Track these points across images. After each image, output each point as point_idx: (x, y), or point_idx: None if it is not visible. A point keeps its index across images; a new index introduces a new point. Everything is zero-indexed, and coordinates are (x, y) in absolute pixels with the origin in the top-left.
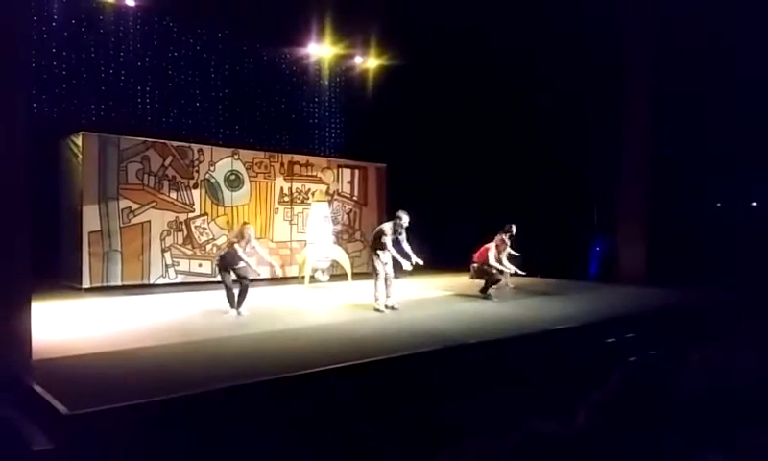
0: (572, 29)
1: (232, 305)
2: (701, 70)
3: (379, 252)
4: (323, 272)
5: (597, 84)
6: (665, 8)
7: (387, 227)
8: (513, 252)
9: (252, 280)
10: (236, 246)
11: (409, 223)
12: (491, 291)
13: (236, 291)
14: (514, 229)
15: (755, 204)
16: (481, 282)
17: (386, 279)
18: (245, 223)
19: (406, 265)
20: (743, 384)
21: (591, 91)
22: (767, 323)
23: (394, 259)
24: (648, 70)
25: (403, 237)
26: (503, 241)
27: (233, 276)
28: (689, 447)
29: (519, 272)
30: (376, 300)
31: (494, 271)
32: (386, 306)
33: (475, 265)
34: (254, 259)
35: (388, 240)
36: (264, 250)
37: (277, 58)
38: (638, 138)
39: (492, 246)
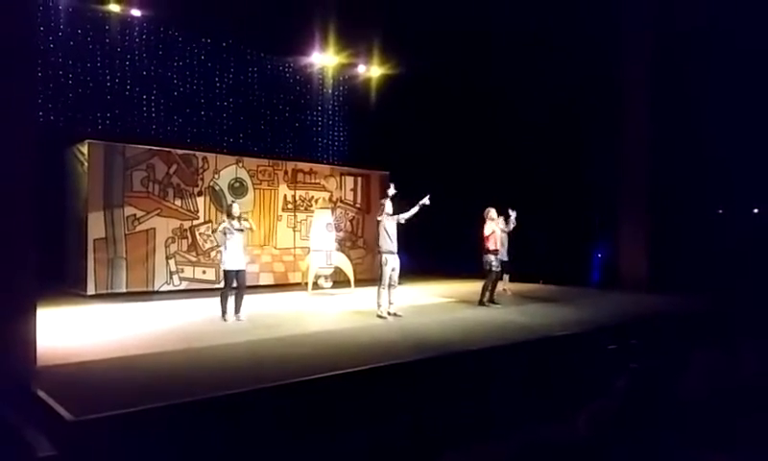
0: (573, 35)
1: (224, 311)
2: (702, 75)
3: (387, 256)
4: (326, 279)
5: (597, 90)
6: (665, 13)
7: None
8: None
9: (253, 287)
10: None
11: (395, 192)
12: (492, 298)
13: (232, 297)
14: (492, 212)
15: (756, 210)
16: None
17: (389, 286)
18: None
19: (424, 201)
20: (743, 388)
21: (592, 98)
22: (767, 328)
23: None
24: (648, 76)
25: (399, 215)
26: (491, 219)
27: (235, 282)
28: (690, 450)
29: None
30: (379, 306)
31: (491, 261)
32: (388, 313)
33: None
34: (234, 245)
35: (384, 218)
36: (246, 236)
37: (281, 66)
38: (639, 145)
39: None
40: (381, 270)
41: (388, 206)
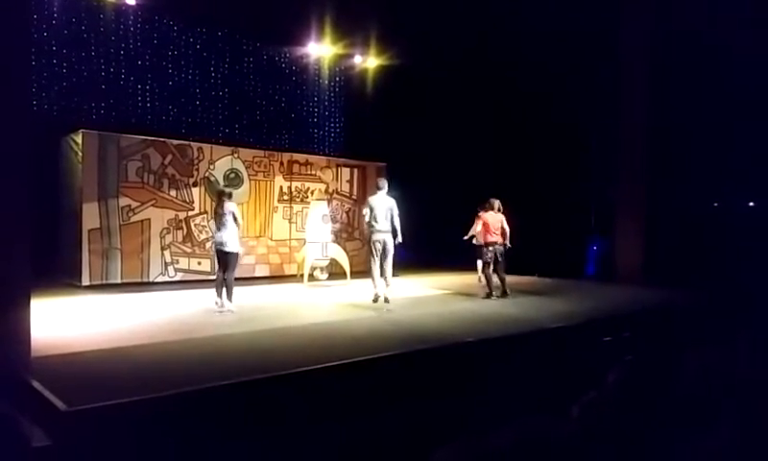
0: (571, 29)
1: (219, 294)
2: (699, 70)
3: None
4: (321, 270)
5: (595, 83)
6: (663, 7)
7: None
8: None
9: (248, 278)
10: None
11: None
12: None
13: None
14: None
15: (752, 204)
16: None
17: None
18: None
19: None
20: (738, 383)
21: (590, 91)
22: (763, 322)
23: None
24: (646, 70)
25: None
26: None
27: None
28: (682, 443)
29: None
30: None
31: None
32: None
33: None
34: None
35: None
36: (237, 224)
37: (277, 56)
38: (636, 138)
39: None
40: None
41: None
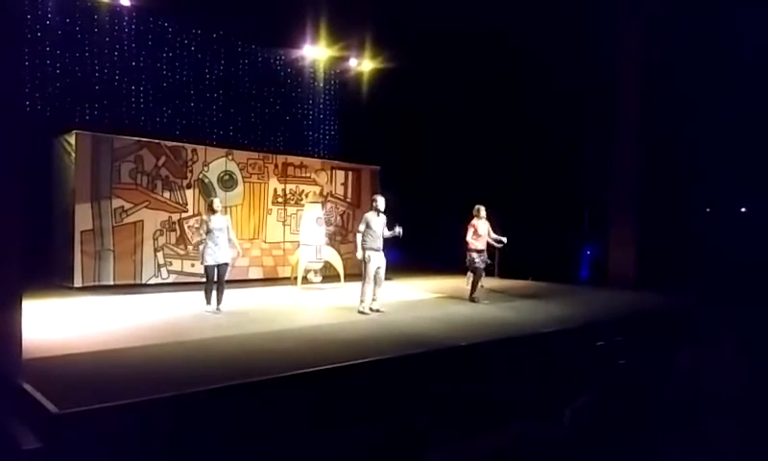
0: (565, 35)
1: (208, 301)
2: (691, 77)
3: (370, 253)
4: (315, 273)
5: (589, 89)
6: (656, 17)
7: (365, 216)
8: (495, 237)
9: (242, 281)
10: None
11: (385, 206)
12: (477, 294)
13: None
14: (481, 211)
15: (743, 209)
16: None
17: (375, 282)
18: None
19: (390, 233)
20: (728, 386)
21: (583, 97)
22: (752, 326)
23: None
24: (639, 76)
25: (386, 224)
26: (472, 223)
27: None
28: (674, 447)
29: (501, 242)
30: (361, 302)
31: (475, 259)
32: (371, 309)
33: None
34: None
35: (362, 226)
36: (233, 234)
37: (272, 59)
38: (629, 143)
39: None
40: (366, 267)
41: (380, 202)
